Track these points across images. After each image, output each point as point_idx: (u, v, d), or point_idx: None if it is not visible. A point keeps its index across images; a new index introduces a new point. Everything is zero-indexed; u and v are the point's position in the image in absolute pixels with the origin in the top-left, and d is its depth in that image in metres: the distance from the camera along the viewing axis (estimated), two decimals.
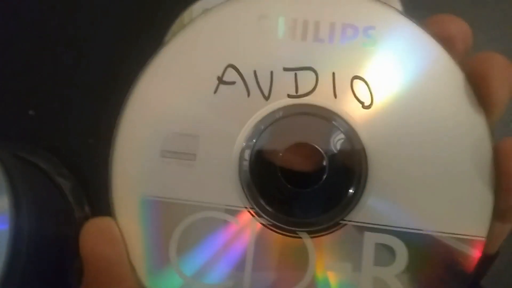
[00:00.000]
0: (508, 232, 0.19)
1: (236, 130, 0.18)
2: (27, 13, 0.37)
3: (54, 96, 0.36)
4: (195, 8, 0.36)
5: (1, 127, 0.33)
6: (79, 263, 0.28)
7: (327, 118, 0.18)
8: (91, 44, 0.36)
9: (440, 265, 0.18)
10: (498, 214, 0.18)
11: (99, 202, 0.32)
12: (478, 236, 0.18)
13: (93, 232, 0.17)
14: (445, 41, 0.19)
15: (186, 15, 0.36)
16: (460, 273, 0.17)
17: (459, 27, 0.19)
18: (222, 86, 0.18)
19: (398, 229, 0.17)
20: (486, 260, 0.19)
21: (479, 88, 0.18)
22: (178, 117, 0.18)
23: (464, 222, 0.18)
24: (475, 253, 0.18)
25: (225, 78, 0.18)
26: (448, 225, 0.18)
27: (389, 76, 0.18)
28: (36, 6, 0.37)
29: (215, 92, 0.18)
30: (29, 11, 0.37)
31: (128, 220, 0.18)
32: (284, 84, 0.18)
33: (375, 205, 0.18)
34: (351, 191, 0.18)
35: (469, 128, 0.18)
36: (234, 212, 0.18)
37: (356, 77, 0.18)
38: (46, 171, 0.32)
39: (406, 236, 0.17)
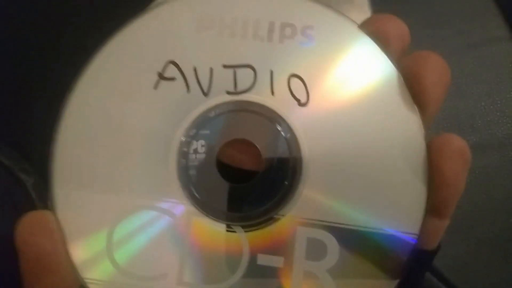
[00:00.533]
0: (445, 227, 0.19)
1: (175, 125, 0.18)
2: None
3: (15, 91, 0.35)
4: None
5: None
6: None
7: (264, 115, 0.19)
8: (49, 38, 0.36)
9: (371, 261, 0.18)
10: (433, 210, 0.18)
11: None
12: (410, 233, 0.18)
13: (29, 223, 0.17)
14: (382, 40, 0.19)
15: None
16: (391, 269, 0.18)
17: (396, 26, 0.19)
18: (162, 82, 0.18)
19: (330, 224, 0.18)
20: (427, 255, 0.19)
21: (414, 87, 0.18)
22: (118, 112, 0.18)
23: (397, 219, 0.18)
24: (407, 249, 0.18)
25: (165, 74, 0.18)
26: (380, 221, 0.18)
27: (325, 75, 0.19)
28: None
29: (155, 87, 0.18)
30: None
31: (67, 213, 0.18)
32: (223, 81, 0.19)
33: (308, 200, 0.18)
34: (285, 186, 0.18)
35: (403, 125, 0.18)
36: (170, 206, 0.18)
37: (293, 75, 0.19)
38: (8, 166, 0.32)
39: (338, 232, 0.18)
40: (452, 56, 0.35)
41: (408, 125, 0.18)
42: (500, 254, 0.31)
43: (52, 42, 0.36)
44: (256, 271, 0.17)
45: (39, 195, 0.31)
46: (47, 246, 0.17)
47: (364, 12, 0.35)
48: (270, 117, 0.19)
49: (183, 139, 0.18)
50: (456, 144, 0.18)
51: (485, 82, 0.35)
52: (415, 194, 0.18)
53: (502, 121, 0.34)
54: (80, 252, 0.17)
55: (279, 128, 0.19)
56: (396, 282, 0.18)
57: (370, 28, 0.19)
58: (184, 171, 0.18)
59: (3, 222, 0.27)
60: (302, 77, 0.19)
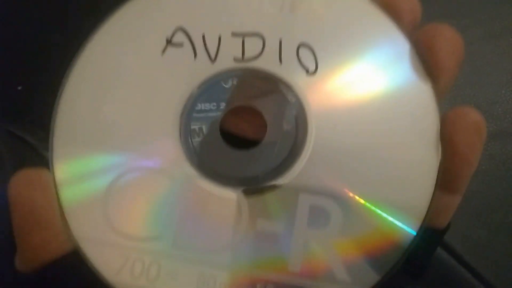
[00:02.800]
0: (456, 204, 0.19)
1: (181, 90, 0.18)
2: None
3: (41, 72, 0.36)
4: None
5: None
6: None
7: (271, 82, 0.18)
8: (77, 21, 0.36)
9: (376, 233, 0.17)
10: (445, 185, 0.18)
11: None
12: (418, 208, 0.17)
13: (23, 178, 0.17)
14: (393, 13, 0.19)
15: None
16: (397, 244, 0.17)
17: (407, 0, 0.19)
18: (170, 48, 0.18)
19: (335, 193, 0.17)
20: (436, 234, 0.19)
21: (427, 58, 0.18)
22: (124, 74, 0.18)
23: (405, 192, 0.17)
24: (414, 225, 0.17)
25: (173, 40, 0.18)
26: (388, 193, 0.17)
27: (335, 45, 0.18)
28: None
29: (162, 53, 0.18)
30: None
31: (64, 172, 0.17)
32: (231, 48, 0.18)
33: (313, 169, 0.18)
34: (289, 153, 0.18)
35: (414, 95, 0.18)
36: (171, 168, 0.18)
37: (302, 44, 0.18)
38: (34, 145, 0.32)
39: (343, 201, 0.17)
40: (472, 45, 0.36)
41: (420, 96, 0.18)
42: None
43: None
44: (255, 236, 0.17)
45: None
46: (40, 200, 0.17)
47: None
48: (277, 85, 0.18)
49: (188, 104, 0.18)
50: (472, 117, 0.17)
51: (505, 71, 0.35)
52: (426, 167, 0.17)
53: None
54: (75, 210, 0.17)
55: (286, 96, 0.18)
56: (398, 257, 0.17)
57: (381, 1, 0.19)
58: (186, 134, 0.18)
59: None
60: (312, 46, 0.18)
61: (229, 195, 0.17)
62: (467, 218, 0.31)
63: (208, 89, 0.18)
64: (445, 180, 0.18)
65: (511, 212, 0.32)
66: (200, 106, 0.18)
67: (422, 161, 0.18)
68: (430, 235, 0.18)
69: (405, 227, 0.17)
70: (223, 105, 0.19)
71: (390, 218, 0.17)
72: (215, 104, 0.19)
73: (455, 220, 0.30)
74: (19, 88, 0.35)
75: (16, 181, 0.17)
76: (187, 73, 0.18)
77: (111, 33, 0.19)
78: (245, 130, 0.20)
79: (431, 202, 0.17)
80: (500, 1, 0.36)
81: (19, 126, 0.32)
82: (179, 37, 0.18)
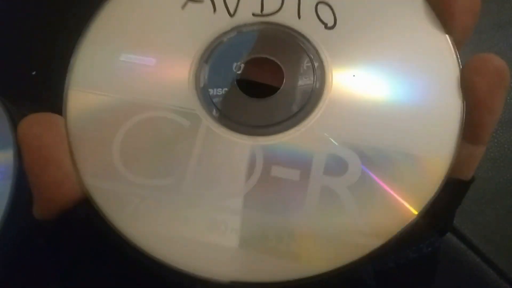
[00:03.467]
0: (480, 155, 0.19)
1: (200, 41, 0.19)
2: None
3: (55, 57, 0.36)
4: None
5: (6, 87, 0.34)
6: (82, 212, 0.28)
7: (289, 35, 0.19)
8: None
9: (396, 183, 0.17)
10: (468, 135, 0.18)
11: None
12: (443, 157, 0.17)
13: (33, 119, 0.17)
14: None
15: None
16: (420, 194, 0.17)
17: None
18: (189, 3, 0.19)
19: (354, 142, 0.17)
20: (460, 185, 0.19)
21: (442, 14, 0.18)
22: (146, 26, 0.19)
23: (429, 142, 0.17)
24: (438, 175, 0.17)
25: None
26: (409, 143, 0.17)
27: (353, 2, 0.19)
28: None
29: (182, 8, 0.19)
30: None
31: (77, 116, 0.18)
32: (250, 3, 0.19)
33: (330, 117, 0.18)
34: (307, 102, 0.18)
35: (433, 46, 0.18)
36: (185, 114, 0.18)
37: (321, 1, 0.19)
38: None
39: (361, 150, 0.17)
40: (481, 35, 0.36)
41: (438, 48, 0.18)
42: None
43: None
44: (270, 182, 0.17)
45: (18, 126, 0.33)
46: (50, 139, 0.17)
47: None
48: (296, 38, 0.19)
49: (206, 53, 0.19)
50: (494, 63, 0.17)
51: None
52: (449, 118, 0.17)
53: None
54: (86, 156, 0.17)
55: (303, 48, 0.19)
56: (420, 210, 0.17)
57: None
58: (203, 82, 0.19)
59: None
60: (330, 3, 0.19)
61: (244, 141, 0.17)
62: (477, 203, 0.31)
63: (219, 70, 0.19)
64: (468, 129, 0.17)
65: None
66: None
67: (444, 111, 0.17)
68: (455, 187, 0.18)
69: (430, 176, 0.17)
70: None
71: (413, 168, 0.17)
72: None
73: (464, 205, 0.30)
74: (34, 73, 0.36)
75: (26, 122, 0.17)
76: (206, 26, 0.19)
77: None
78: (263, 78, 0.20)
79: (455, 153, 0.17)
80: None
81: (34, 110, 0.33)
82: None
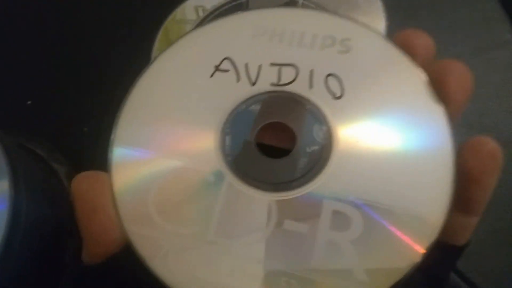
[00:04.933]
0: (474, 224, 0.21)
1: (225, 106, 0.22)
2: (25, 8, 0.39)
3: (50, 87, 0.37)
4: (187, 5, 0.38)
5: (2, 116, 0.35)
6: (74, 243, 0.30)
7: (301, 103, 0.22)
8: (86, 38, 0.38)
9: (393, 240, 0.19)
10: (461, 207, 0.20)
11: None
12: (432, 221, 0.19)
13: (86, 176, 0.20)
14: (409, 50, 0.21)
15: (178, 12, 0.38)
16: (412, 252, 0.19)
17: (422, 39, 0.21)
18: (217, 73, 0.22)
19: (356, 201, 0.19)
20: (453, 251, 0.21)
21: (439, 92, 0.20)
22: (181, 92, 0.22)
23: (422, 204, 0.19)
24: (428, 237, 0.19)
25: (221, 67, 0.22)
26: (403, 210, 0.19)
27: (359, 76, 0.22)
28: (34, 3, 0.39)
29: (211, 76, 0.22)
30: (27, 7, 0.39)
31: (122, 176, 0.20)
32: (269, 75, 0.22)
33: (336, 179, 0.20)
34: (316, 164, 0.20)
35: (429, 120, 0.20)
36: (213, 173, 0.20)
37: (330, 74, 0.22)
38: (43, 157, 0.33)
39: (363, 208, 0.19)
40: (461, 60, 0.37)
41: (435, 121, 0.20)
42: (507, 246, 0.32)
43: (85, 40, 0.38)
44: (282, 234, 0.19)
45: (71, 183, 0.33)
46: (97, 191, 0.20)
47: (379, 19, 0.37)
48: (307, 106, 0.22)
49: (230, 118, 0.21)
50: (489, 146, 0.19)
51: (493, 84, 0.36)
52: (441, 186, 0.19)
53: (509, 121, 0.35)
54: (127, 206, 0.20)
55: (313, 114, 0.21)
56: (417, 261, 0.19)
57: (399, 40, 0.22)
58: (228, 146, 0.21)
59: (38, 206, 0.28)
60: (339, 76, 0.22)
61: (262, 197, 0.20)
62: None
63: (246, 108, 0.22)
64: (461, 202, 0.19)
65: (500, 220, 0.33)
66: None
67: (436, 183, 0.20)
68: (449, 252, 0.20)
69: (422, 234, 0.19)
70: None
71: (408, 224, 0.19)
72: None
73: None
74: (29, 102, 0.37)
75: (78, 179, 0.20)
76: (230, 93, 0.22)
77: (171, 61, 0.23)
78: (277, 140, 0.22)
79: (445, 221, 0.19)
80: (488, 18, 0.38)
81: (29, 139, 0.34)
82: (226, 65, 0.22)
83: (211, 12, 0.38)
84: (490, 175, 0.19)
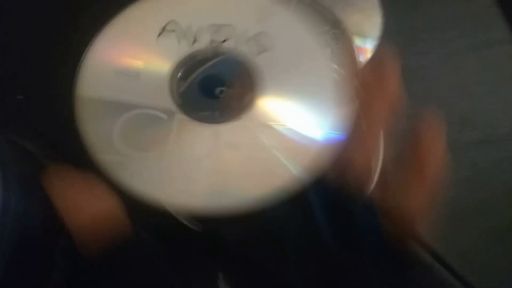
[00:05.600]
0: (427, 193, 0.24)
1: (171, 57, 0.27)
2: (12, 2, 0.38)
3: (41, 82, 0.37)
4: None
5: None
6: (64, 241, 0.30)
7: (231, 54, 0.28)
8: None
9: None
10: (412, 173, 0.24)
11: None
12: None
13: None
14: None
15: None
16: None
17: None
18: (164, 32, 0.28)
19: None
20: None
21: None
22: (132, 52, 0.27)
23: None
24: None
25: (167, 27, 0.28)
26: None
27: (285, 38, 0.28)
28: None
29: (158, 36, 0.28)
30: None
31: (88, 118, 0.26)
32: (209, 34, 0.28)
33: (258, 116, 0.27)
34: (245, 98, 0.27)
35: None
36: (165, 111, 0.26)
37: (261, 32, 0.28)
38: (33, 152, 0.33)
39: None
40: (456, 57, 0.37)
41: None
42: (500, 244, 0.32)
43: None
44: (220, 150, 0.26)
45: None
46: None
47: (375, 15, 0.37)
48: (235, 56, 0.28)
49: (177, 69, 0.27)
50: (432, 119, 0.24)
51: (488, 82, 0.36)
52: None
53: (504, 118, 0.35)
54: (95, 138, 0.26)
55: (241, 61, 0.28)
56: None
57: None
58: (175, 90, 0.27)
59: (28, 203, 0.28)
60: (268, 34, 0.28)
61: (203, 128, 0.27)
62: (451, 223, 0.32)
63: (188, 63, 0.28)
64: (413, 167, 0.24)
65: (493, 217, 0.33)
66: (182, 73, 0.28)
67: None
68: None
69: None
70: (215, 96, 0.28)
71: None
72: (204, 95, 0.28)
73: (438, 225, 0.31)
74: (20, 97, 0.36)
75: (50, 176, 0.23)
76: (177, 48, 0.27)
77: (127, 22, 0.28)
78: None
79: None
80: (483, 16, 0.38)
81: (19, 134, 0.33)
82: (171, 26, 0.28)
83: None
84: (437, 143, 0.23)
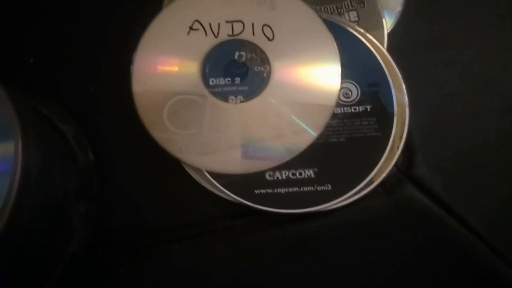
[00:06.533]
0: None
1: (199, 53, 0.33)
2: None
3: (55, 45, 0.36)
4: None
5: (4, 75, 0.33)
6: (83, 207, 0.29)
7: (249, 45, 0.33)
8: None
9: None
10: None
11: (103, 147, 0.33)
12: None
13: None
14: None
15: None
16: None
17: None
18: (191, 31, 0.33)
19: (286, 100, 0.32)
20: None
21: None
22: (169, 51, 0.33)
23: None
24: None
25: (193, 27, 0.33)
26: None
27: (283, 24, 0.33)
28: None
29: (187, 34, 0.33)
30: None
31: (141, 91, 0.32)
32: (226, 29, 0.33)
33: (276, 89, 0.32)
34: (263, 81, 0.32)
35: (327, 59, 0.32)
36: (199, 95, 0.32)
37: (265, 25, 0.33)
38: (48, 116, 0.32)
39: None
40: (481, 24, 0.36)
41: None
42: None
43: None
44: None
45: (79, 144, 0.32)
46: None
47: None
48: (252, 46, 0.33)
49: (205, 58, 0.33)
50: None
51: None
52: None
53: None
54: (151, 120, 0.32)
55: (256, 51, 0.33)
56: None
57: None
58: (205, 78, 0.32)
59: (48, 167, 0.27)
60: (270, 26, 0.32)
61: (232, 106, 0.32)
62: (478, 190, 0.32)
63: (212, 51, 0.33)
64: None
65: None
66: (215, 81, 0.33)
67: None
68: None
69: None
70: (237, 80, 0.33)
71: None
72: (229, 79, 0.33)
73: (466, 193, 0.31)
74: (31, 60, 0.35)
75: None
76: (202, 42, 0.33)
77: (161, 27, 0.33)
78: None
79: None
80: None
81: (33, 98, 0.32)
82: (197, 25, 0.33)
83: None
84: None
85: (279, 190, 0.31)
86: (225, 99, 0.32)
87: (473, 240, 0.31)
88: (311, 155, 0.31)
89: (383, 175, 0.31)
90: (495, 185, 0.32)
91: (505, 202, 0.32)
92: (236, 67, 0.33)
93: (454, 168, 0.33)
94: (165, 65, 0.32)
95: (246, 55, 0.33)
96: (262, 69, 0.32)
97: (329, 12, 0.35)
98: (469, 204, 0.31)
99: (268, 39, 0.32)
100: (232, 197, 0.31)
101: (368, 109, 0.32)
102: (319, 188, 0.31)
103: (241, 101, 0.32)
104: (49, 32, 0.36)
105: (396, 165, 0.32)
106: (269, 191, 0.31)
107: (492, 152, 0.33)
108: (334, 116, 0.32)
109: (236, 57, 0.33)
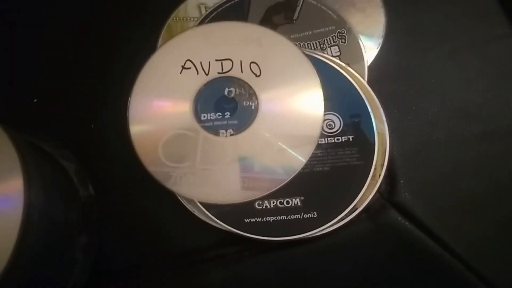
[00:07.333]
0: None
1: (191, 90, 0.35)
2: (28, 8, 0.39)
3: (57, 85, 0.38)
4: (189, 3, 0.38)
5: (9, 114, 0.36)
6: (84, 239, 0.31)
7: (237, 82, 0.35)
8: (90, 37, 0.39)
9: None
10: None
11: (102, 182, 0.35)
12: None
13: None
14: None
15: (181, 10, 0.38)
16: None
17: None
18: (184, 70, 0.35)
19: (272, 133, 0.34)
20: None
21: None
22: (162, 87, 0.35)
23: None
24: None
25: (185, 66, 0.35)
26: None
27: (269, 61, 0.35)
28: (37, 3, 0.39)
29: (180, 73, 0.35)
30: (30, 7, 0.39)
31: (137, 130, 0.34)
32: (216, 67, 0.35)
33: (263, 124, 0.34)
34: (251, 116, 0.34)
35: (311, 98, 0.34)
36: (192, 130, 0.34)
37: (252, 62, 0.35)
38: (51, 154, 0.34)
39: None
40: (459, 53, 0.38)
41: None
42: (507, 235, 0.33)
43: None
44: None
45: (80, 180, 0.34)
46: None
47: (379, 13, 0.38)
48: (240, 83, 0.35)
49: (196, 95, 0.35)
50: None
51: (490, 76, 0.37)
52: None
53: (506, 112, 0.36)
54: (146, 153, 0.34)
55: (244, 87, 0.35)
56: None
57: None
58: (197, 113, 0.35)
59: (50, 203, 0.29)
60: (257, 63, 0.35)
61: (223, 139, 0.34)
62: (459, 214, 0.33)
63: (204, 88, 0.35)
64: None
65: (499, 208, 0.34)
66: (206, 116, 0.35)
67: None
68: None
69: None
70: (227, 114, 0.35)
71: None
72: (219, 114, 0.35)
73: (447, 217, 0.32)
74: (35, 100, 0.37)
75: None
76: (194, 81, 0.35)
77: (156, 65, 0.35)
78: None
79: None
80: (485, 11, 0.39)
81: (37, 136, 0.34)
82: (188, 64, 0.35)
83: (213, 10, 0.38)
84: None
85: (268, 218, 0.33)
86: (216, 133, 0.34)
87: (454, 263, 0.32)
88: (297, 184, 0.33)
89: (366, 201, 0.32)
90: (475, 209, 0.33)
91: (485, 225, 0.33)
92: (226, 102, 0.35)
93: (435, 193, 0.34)
94: (159, 105, 0.34)
95: (235, 91, 0.35)
96: (250, 103, 0.34)
97: (313, 47, 0.37)
98: (450, 228, 0.33)
99: (256, 75, 0.34)
100: (224, 226, 0.33)
101: (351, 139, 0.33)
102: (305, 215, 0.33)
103: (231, 134, 0.34)
104: (52, 74, 0.38)
105: (378, 191, 0.33)
106: (258, 219, 0.33)
107: (472, 177, 0.34)
108: (318, 146, 0.33)
109: (226, 93, 0.35)
